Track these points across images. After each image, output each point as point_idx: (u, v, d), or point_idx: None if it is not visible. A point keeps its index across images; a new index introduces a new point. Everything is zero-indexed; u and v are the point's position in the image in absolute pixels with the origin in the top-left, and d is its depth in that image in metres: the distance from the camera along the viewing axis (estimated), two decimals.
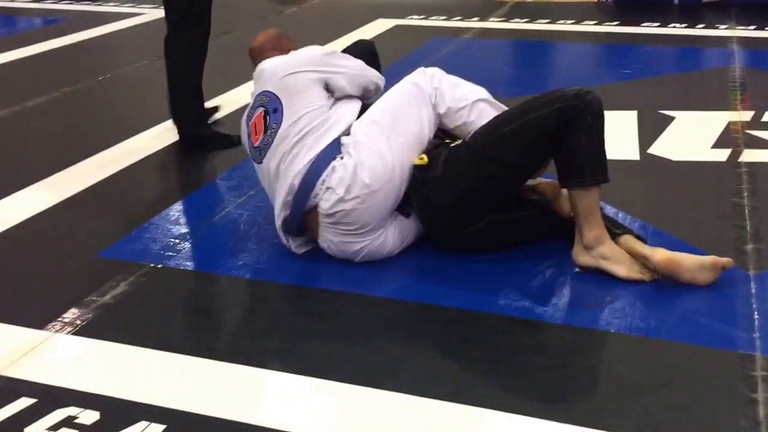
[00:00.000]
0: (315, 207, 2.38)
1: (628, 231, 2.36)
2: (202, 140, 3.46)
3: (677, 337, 2.02)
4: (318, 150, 2.38)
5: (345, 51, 2.80)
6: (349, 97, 2.57)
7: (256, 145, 2.53)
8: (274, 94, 2.50)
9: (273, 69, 2.57)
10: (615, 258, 2.26)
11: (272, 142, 2.45)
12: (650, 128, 3.45)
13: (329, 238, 2.41)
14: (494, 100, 2.50)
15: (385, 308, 2.23)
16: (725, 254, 2.30)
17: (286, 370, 1.95)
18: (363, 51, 2.79)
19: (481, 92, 2.50)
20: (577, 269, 2.34)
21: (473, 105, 2.43)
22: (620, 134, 3.33)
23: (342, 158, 2.36)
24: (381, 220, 2.37)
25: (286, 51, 2.72)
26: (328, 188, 2.34)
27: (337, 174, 2.33)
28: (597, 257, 2.27)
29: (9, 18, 6.69)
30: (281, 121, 2.44)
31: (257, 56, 2.75)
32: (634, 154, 3.21)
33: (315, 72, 2.52)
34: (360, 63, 2.65)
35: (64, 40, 5.66)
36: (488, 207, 2.36)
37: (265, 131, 2.48)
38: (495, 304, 2.20)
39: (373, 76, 2.66)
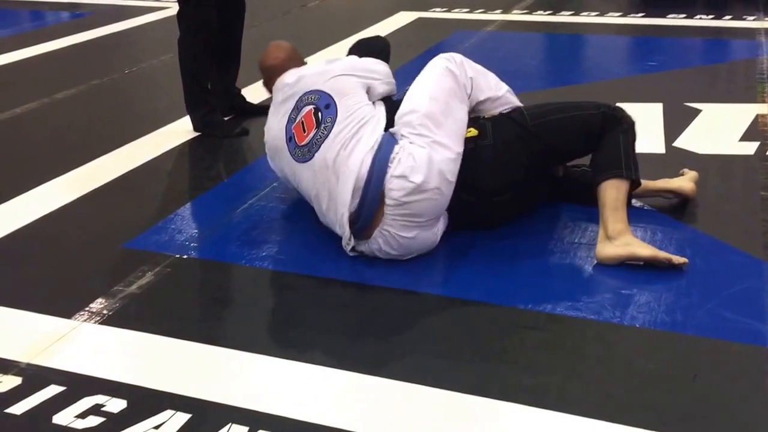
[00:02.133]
0: (381, 201, 2.31)
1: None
2: (207, 128, 3.53)
3: (703, 332, 2.01)
4: (378, 138, 2.36)
5: (359, 45, 2.85)
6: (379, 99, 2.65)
7: (303, 143, 2.47)
8: (325, 92, 2.51)
9: (317, 73, 2.61)
10: (639, 243, 2.32)
11: (328, 134, 2.40)
12: (676, 121, 3.42)
13: (389, 233, 2.34)
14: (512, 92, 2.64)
15: (406, 300, 2.23)
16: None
17: (309, 361, 1.96)
18: (378, 49, 2.85)
19: (503, 84, 2.63)
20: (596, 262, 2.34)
21: (505, 96, 2.58)
22: (646, 127, 3.29)
23: (404, 147, 2.32)
24: (442, 213, 2.39)
25: (301, 62, 2.80)
26: (397, 176, 2.28)
27: (407, 162, 2.28)
28: (621, 245, 2.31)
29: (37, 12, 6.76)
30: (336, 114, 2.43)
31: (274, 72, 2.75)
32: (659, 147, 3.18)
33: (358, 77, 2.59)
34: (385, 68, 2.73)
35: (91, 33, 5.71)
36: (522, 179, 2.46)
37: (318, 125, 2.44)
38: (517, 298, 2.20)
39: (393, 83, 2.74)
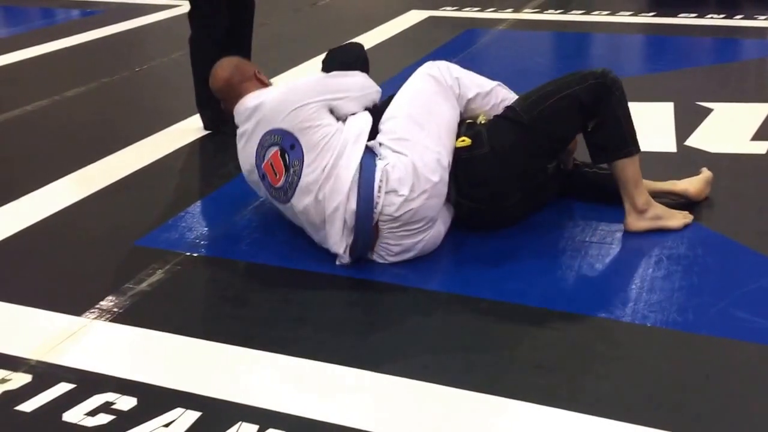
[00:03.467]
0: (375, 223, 2.29)
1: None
2: (215, 123, 3.54)
3: (716, 332, 2.00)
4: (356, 164, 2.28)
5: (333, 55, 2.64)
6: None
7: (277, 185, 2.40)
8: (285, 131, 2.36)
9: (274, 106, 2.41)
10: (666, 214, 2.48)
11: (299, 179, 2.33)
12: (687, 120, 3.40)
13: (390, 244, 2.33)
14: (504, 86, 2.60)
15: (416, 298, 2.23)
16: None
17: (319, 358, 1.96)
18: (353, 57, 2.63)
19: (493, 81, 2.58)
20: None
21: (495, 89, 2.54)
22: (657, 126, 3.29)
23: (386, 160, 2.29)
24: (438, 211, 2.37)
25: (251, 77, 2.60)
26: (387, 192, 2.26)
27: (395, 175, 2.26)
28: (651, 219, 2.45)
29: (48, 10, 6.78)
30: (303, 156, 2.33)
31: (228, 94, 2.60)
32: (670, 146, 3.17)
33: (319, 102, 2.40)
34: (359, 80, 2.54)
35: (101, 31, 5.73)
36: (529, 177, 2.46)
37: (287, 170, 2.35)
38: (528, 296, 2.19)
39: (373, 92, 2.56)
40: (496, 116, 2.49)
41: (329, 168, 2.30)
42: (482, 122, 2.48)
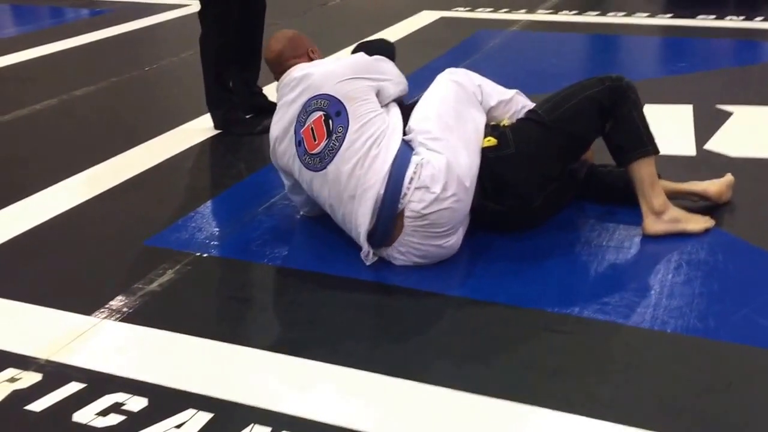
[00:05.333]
0: (401, 212, 2.27)
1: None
2: (228, 125, 3.52)
3: (737, 339, 1.95)
4: (395, 151, 2.28)
5: (365, 45, 2.69)
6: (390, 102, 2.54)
7: (314, 151, 2.37)
8: (334, 97, 2.38)
9: (325, 73, 2.44)
10: (686, 217, 2.45)
11: (340, 145, 2.31)
12: (707, 123, 3.34)
13: (413, 242, 2.29)
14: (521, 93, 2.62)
15: (430, 302, 2.19)
16: None
17: (332, 362, 1.93)
18: (386, 52, 2.66)
19: (510, 89, 2.60)
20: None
21: (515, 97, 2.57)
22: (676, 129, 3.24)
23: (421, 155, 2.28)
24: (463, 220, 2.34)
25: (305, 53, 2.64)
26: (418, 188, 2.24)
27: (428, 172, 2.24)
28: (670, 221, 2.43)
29: (57, 9, 6.78)
30: (348, 124, 2.33)
31: (277, 67, 2.62)
32: (690, 150, 3.12)
33: (368, 80, 2.45)
34: (396, 69, 2.60)
35: (111, 30, 5.72)
36: (552, 179, 2.45)
37: (329, 135, 2.34)
38: (543, 300, 2.15)
39: (405, 84, 2.61)
40: (518, 119, 2.50)
41: (372, 143, 2.30)
42: (506, 125, 2.48)
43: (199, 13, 3.53)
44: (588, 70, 4.34)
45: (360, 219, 2.29)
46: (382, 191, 2.25)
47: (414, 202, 2.24)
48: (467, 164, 2.29)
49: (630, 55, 4.83)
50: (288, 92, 2.50)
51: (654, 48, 5.04)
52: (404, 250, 2.32)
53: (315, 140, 2.37)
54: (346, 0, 6.67)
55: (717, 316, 2.04)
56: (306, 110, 2.42)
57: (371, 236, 2.31)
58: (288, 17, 5.83)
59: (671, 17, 5.47)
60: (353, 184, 2.29)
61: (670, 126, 3.23)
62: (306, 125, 2.41)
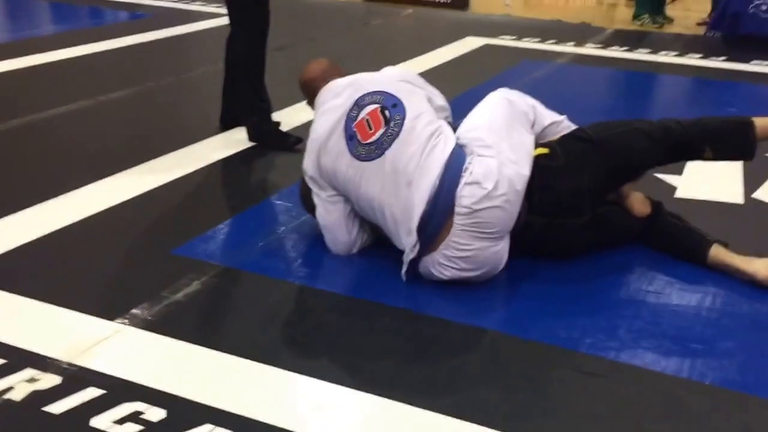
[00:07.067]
0: (451, 210, 2.24)
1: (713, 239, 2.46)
2: (262, 138, 3.50)
3: None
4: (452, 146, 2.32)
5: None
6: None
7: (368, 141, 2.36)
8: (389, 93, 2.45)
9: (375, 78, 2.55)
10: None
11: (399, 131, 2.34)
12: (756, 171, 3.21)
13: (460, 243, 2.25)
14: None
15: (461, 333, 2.14)
16: None
17: (356, 387, 1.88)
18: None
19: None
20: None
21: (565, 120, 2.60)
22: (723, 176, 3.16)
23: (474, 157, 2.29)
24: (509, 228, 2.31)
25: (342, 75, 2.67)
26: (469, 183, 2.23)
27: (480, 169, 2.25)
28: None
29: (96, 10, 6.83)
30: (405, 114, 2.38)
31: (320, 81, 2.63)
32: (737, 198, 3.03)
33: (419, 87, 2.57)
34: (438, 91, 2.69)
35: (149, 35, 5.73)
36: (598, 197, 2.45)
37: (386, 123, 2.36)
38: (578, 341, 2.09)
39: (449, 107, 2.69)
40: (564, 135, 2.53)
41: (431, 133, 2.34)
42: (553, 140, 2.52)
43: (235, 22, 3.51)
44: (635, 108, 4.28)
45: (415, 206, 2.26)
46: (438, 182, 2.25)
47: (465, 197, 2.23)
48: (518, 171, 2.28)
49: (679, 95, 4.71)
50: (332, 98, 2.52)
51: (704, 90, 4.85)
52: (450, 255, 2.27)
53: (371, 129, 2.38)
54: (389, 21, 6.62)
55: (759, 372, 1.97)
56: (358, 105, 2.45)
57: (421, 231, 2.26)
58: (328, 33, 5.81)
59: (724, 60, 5.30)
60: (412, 168, 2.29)
61: (719, 172, 3.15)
62: (359, 119, 2.42)
